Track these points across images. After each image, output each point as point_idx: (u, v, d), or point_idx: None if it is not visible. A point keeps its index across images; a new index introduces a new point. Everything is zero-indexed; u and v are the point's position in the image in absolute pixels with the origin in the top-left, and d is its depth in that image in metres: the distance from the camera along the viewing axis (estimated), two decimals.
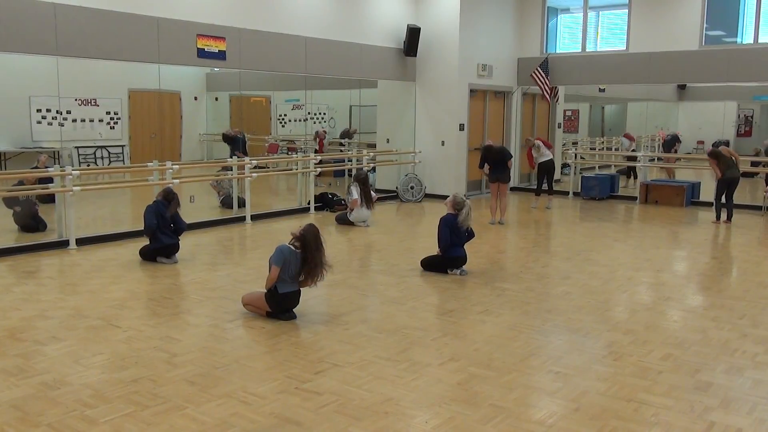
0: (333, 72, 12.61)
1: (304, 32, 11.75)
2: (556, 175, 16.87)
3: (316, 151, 14.05)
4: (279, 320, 5.68)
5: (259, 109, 17.01)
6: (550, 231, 11.09)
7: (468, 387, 4.39)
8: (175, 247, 7.95)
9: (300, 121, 16.30)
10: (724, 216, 11.31)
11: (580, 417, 3.97)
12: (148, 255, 7.91)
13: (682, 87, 18.05)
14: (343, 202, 11.86)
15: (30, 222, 9.33)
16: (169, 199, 7.89)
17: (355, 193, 10.49)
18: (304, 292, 5.88)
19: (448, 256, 7.43)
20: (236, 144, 12.70)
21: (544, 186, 12.86)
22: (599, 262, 8.26)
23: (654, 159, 16.49)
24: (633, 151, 15.93)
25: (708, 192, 13.41)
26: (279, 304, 5.72)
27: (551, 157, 12.74)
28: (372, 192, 10.90)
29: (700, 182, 13.86)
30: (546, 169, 12.72)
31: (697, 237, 10.19)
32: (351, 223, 10.51)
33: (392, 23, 13.55)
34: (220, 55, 10.50)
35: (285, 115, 17.03)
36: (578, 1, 14.94)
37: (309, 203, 12.12)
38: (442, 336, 5.42)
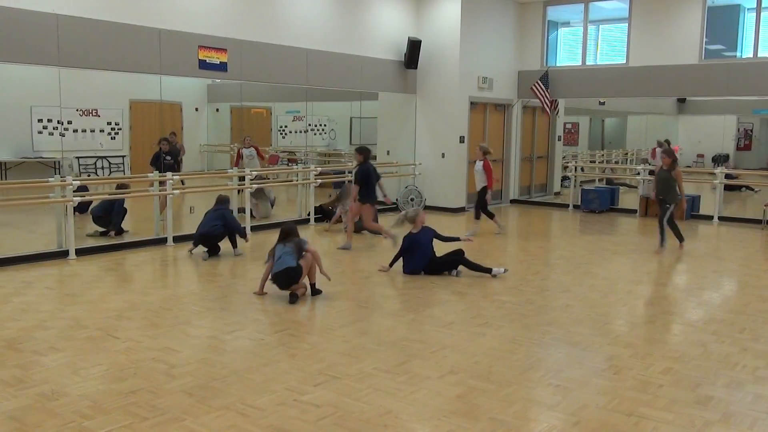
0: (334, 84, 12.65)
1: (305, 44, 11.81)
2: (556, 188, 16.94)
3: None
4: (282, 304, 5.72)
5: (260, 120, 17.07)
6: (550, 244, 11.08)
7: (467, 400, 4.37)
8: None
9: (300, 132, 16.35)
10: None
11: (580, 431, 3.96)
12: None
13: (681, 101, 18.10)
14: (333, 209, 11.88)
15: (102, 217, 9.99)
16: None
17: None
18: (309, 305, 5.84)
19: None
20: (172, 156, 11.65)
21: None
22: (599, 275, 8.26)
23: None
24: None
25: (707, 206, 13.42)
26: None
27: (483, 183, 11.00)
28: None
29: (699, 195, 13.86)
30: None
31: (696, 250, 10.17)
32: (363, 229, 10.46)
33: (393, 36, 13.61)
34: (222, 67, 10.55)
35: (285, 126, 17.08)
36: (578, 14, 15.02)
37: (309, 214, 12.13)
38: (441, 348, 5.40)
